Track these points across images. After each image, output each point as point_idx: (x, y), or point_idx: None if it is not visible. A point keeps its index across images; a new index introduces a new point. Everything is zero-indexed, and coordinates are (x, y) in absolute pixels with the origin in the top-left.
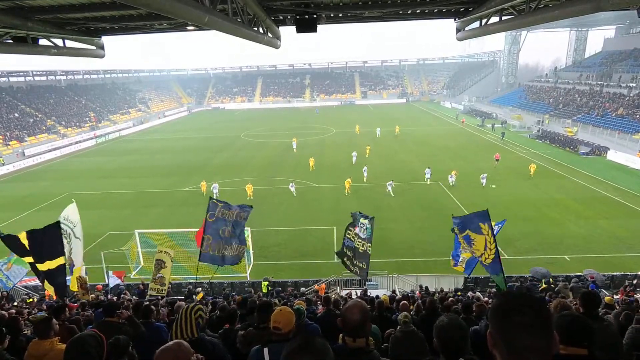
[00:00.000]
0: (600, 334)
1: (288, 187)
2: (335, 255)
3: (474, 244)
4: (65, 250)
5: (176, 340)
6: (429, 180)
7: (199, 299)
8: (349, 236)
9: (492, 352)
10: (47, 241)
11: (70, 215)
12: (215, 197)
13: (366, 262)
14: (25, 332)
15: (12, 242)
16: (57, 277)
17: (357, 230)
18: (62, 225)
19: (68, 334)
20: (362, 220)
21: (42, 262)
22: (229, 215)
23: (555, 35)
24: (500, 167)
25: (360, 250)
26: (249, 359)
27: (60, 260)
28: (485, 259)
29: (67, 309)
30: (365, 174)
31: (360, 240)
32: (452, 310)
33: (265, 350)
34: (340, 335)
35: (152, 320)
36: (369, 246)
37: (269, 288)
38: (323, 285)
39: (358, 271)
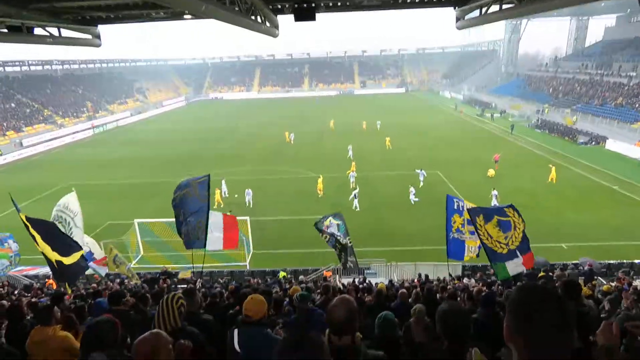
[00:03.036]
0: (577, 318)
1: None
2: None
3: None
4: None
5: (153, 331)
6: (422, 182)
7: (187, 276)
8: (325, 239)
9: (508, 344)
10: (52, 235)
11: (71, 204)
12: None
13: (354, 255)
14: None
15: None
16: (71, 270)
17: (331, 230)
18: (59, 213)
19: (67, 322)
20: (329, 221)
21: (55, 252)
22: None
23: (556, 24)
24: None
25: (340, 245)
26: (227, 339)
27: (77, 256)
28: (512, 242)
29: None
30: (352, 179)
31: (341, 239)
32: (452, 298)
33: (235, 332)
34: (327, 332)
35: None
36: (349, 239)
37: (283, 279)
38: (330, 272)
39: (352, 265)
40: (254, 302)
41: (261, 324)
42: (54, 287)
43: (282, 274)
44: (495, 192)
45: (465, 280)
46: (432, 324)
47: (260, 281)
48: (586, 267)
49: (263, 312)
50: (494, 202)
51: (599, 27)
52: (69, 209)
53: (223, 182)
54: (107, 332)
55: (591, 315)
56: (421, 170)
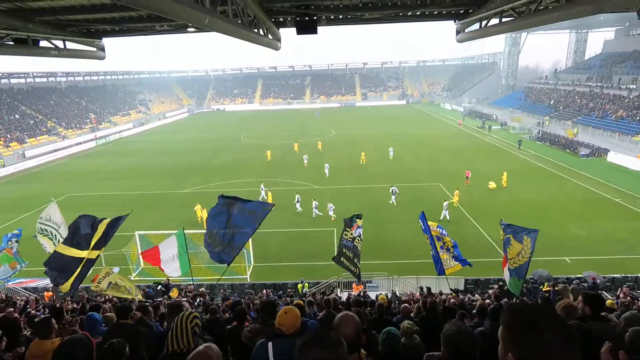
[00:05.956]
0: (606, 336)
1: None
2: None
3: (509, 249)
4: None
5: (206, 344)
6: (394, 201)
7: (174, 297)
8: (346, 237)
9: None
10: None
11: (53, 216)
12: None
13: (359, 261)
14: (25, 332)
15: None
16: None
17: (354, 231)
18: (43, 226)
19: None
20: (357, 221)
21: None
22: (239, 210)
23: (555, 37)
24: (502, 169)
25: (359, 250)
26: (254, 351)
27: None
28: (514, 263)
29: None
30: (330, 212)
31: (359, 239)
32: (455, 315)
33: (270, 344)
34: None
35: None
36: (360, 243)
37: (304, 289)
38: (360, 286)
39: (357, 271)
40: (288, 317)
41: (294, 336)
42: (53, 297)
43: (304, 285)
44: (445, 203)
45: (469, 295)
46: (436, 339)
47: (272, 293)
48: (590, 282)
49: (297, 326)
50: (444, 213)
51: (598, 40)
52: (52, 221)
53: (262, 186)
54: (80, 351)
55: (613, 333)
56: (392, 187)
